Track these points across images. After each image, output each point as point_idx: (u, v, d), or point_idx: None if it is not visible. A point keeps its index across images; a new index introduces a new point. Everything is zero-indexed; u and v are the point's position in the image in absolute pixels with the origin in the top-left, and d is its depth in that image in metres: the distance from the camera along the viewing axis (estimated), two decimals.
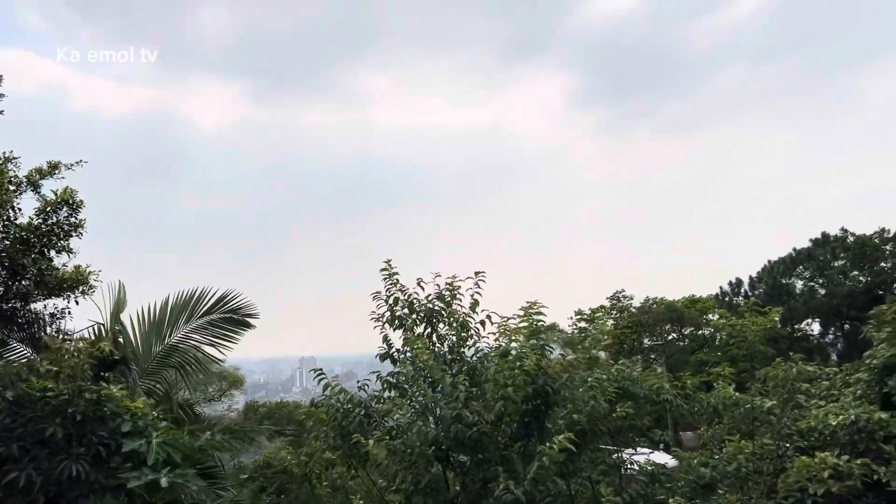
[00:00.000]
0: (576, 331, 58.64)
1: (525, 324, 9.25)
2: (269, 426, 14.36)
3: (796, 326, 47.98)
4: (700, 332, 55.05)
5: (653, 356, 54.05)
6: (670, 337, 54.97)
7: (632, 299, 55.67)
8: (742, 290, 50.65)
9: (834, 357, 46.91)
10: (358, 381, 10.03)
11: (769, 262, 49.09)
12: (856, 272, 43.65)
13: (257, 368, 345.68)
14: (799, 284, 46.69)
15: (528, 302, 9.18)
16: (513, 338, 9.20)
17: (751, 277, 50.43)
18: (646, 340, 55.12)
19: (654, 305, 54.01)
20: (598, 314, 59.03)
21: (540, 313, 9.17)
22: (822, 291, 45.11)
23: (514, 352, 8.75)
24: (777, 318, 15.57)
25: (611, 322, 57.35)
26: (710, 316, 54.66)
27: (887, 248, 43.15)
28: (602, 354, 60.94)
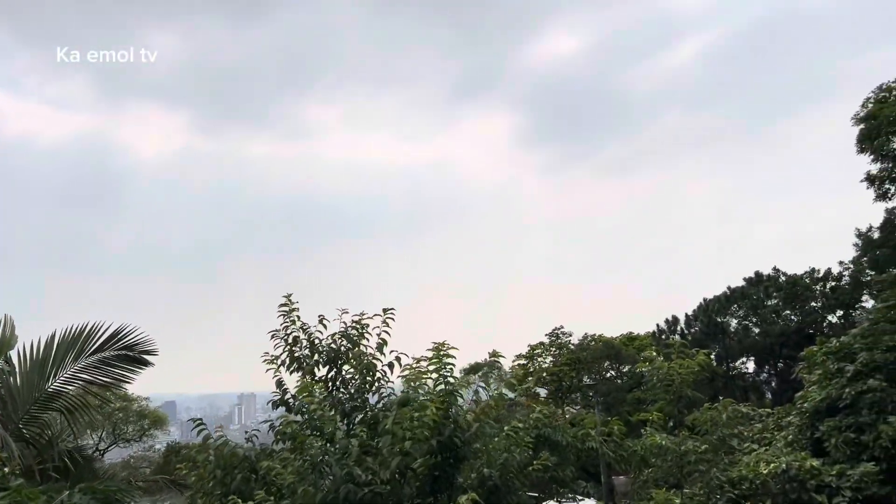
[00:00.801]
0: (517, 369, 57.51)
1: (434, 366, 8.37)
2: (164, 476, 12.97)
3: (732, 364, 48.33)
4: (637, 369, 55.05)
5: (591, 394, 53.75)
6: (609, 374, 54.82)
7: (570, 336, 55.53)
8: (678, 328, 50.89)
9: (769, 395, 47.34)
10: (246, 432, 8.95)
11: (705, 300, 49.50)
12: (788, 311, 44.28)
13: (194, 405, 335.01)
14: (734, 323, 47.12)
15: (434, 343, 8.29)
16: (420, 382, 8.31)
17: (687, 315, 50.75)
18: (585, 378, 54.86)
19: (593, 343, 53.88)
20: (536, 351, 57.94)
21: (449, 355, 8.30)
22: (756, 330, 45.60)
23: (421, 398, 7.86)
24: (704, 360, 15.04)
25: (550, 359, 57.00)
26: (647, 353, 54.87)
27: (817, 287, 43.99)
28: (542, 391, 59.24)
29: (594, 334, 54.81)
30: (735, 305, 47.73)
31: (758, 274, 47.08)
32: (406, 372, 8.56)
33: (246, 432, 9.06)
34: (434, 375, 8.25)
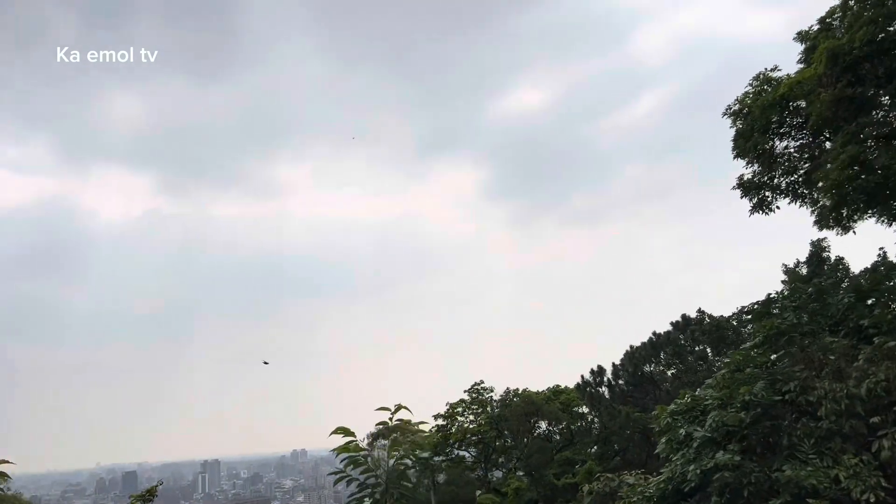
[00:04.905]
0: (434, 430, 51.66)
1: None
2: None
3: None
4: (569, 426, 50.21)
5: (516, 459, 48.61)
6: (536, 433, 49.83)
7: (492, 392, 50.68)
8: (605, 379, 46.21)
9: None
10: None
11: (631, 347, 45.13)
12: (715, 357, 39.94)
13: (156, 474, 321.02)
14: (659, 371, 42.67)
15: None
16: None
17: (614, 364, 46.22)
18: (509, 439, 49.88)
19: (515, 398, 49.03)
20: (457, 409, 52.11)
21: None
22: (685, 379, 41.10)
23: None
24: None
25: (471, 417, 51.92)
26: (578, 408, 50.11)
27: (748, 328, 39.69)
28: (466, 455, 53.27)
29: (516, 389, 50.11)
30: (663, 352, 43.32)
31: (684, 317, 42.92)
32: None
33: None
34: None
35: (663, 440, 13.42)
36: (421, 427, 9.05)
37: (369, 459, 8.59)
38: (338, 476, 8.70)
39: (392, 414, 8.67)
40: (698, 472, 11.69)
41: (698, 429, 12.46)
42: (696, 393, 13.99)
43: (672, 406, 14.01)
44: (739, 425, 11.96)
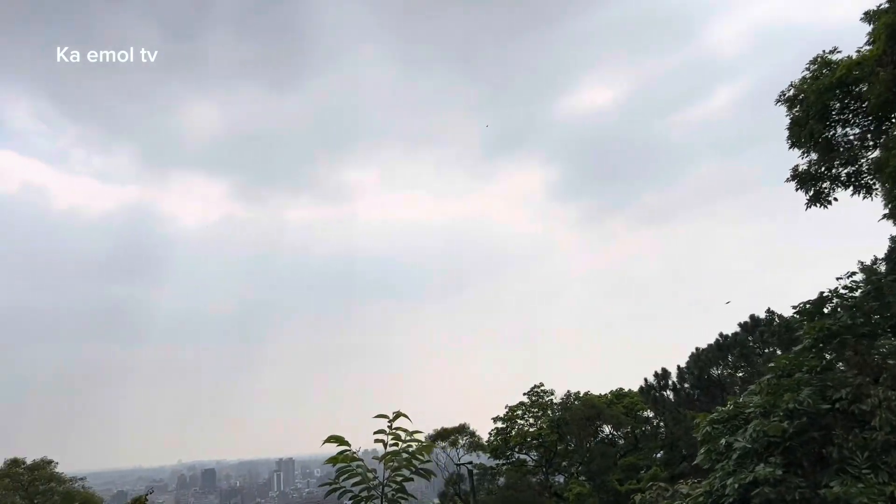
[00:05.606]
0: (493, 434, 51.28)
1: None
2: None
3: None
4: (634, 431, 48.75)
5: (578, 464, 47.48)
6: (599, 437, 48.58)
7: (552, 395, 49.68)
8: (670, 382, 44.61)
9: None
10: None
11: (697, 349, 43.35)
12: None
13: (233, 471, 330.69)
14: (727, 374, 40.87)
15: None
16: None
17: (679, 368, 44.54)
18: (572, 443, 48.79)
19: (576, 402, 47.95)
20: (517, 412, 51.47)
21: None
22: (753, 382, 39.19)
23: None
24: None
25: (531, 420, 51.07)
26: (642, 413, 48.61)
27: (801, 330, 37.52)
28: (528, 458, 52.69)
29: (577, 392, 49.01)
30: (730, 355, 41.50)
31: (752, 318, 40.98)
32: None
33: None
34: None
35: (703, 450, 12.50)
36: (416, 436, 8.57)
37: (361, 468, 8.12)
38: (330, 488, 8.26)
39: (391, 422, 8.20)
40: (736, 486, 10.78)
41: (739, 439, 11.52)
42: (740, 400, 13.00)
43: (714, 414, 13.06)
44: (782, 436, 10.97)
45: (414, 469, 8.91)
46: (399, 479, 8.60)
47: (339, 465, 7.99)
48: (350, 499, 8.23)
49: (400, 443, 8.47)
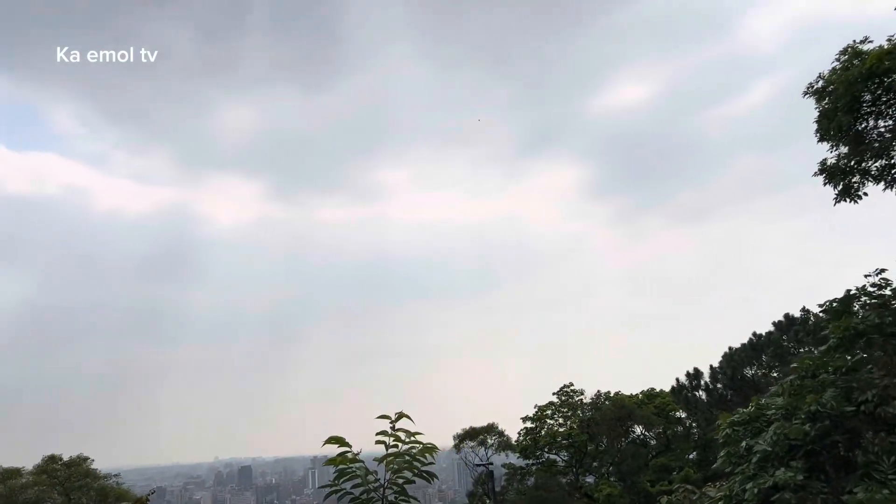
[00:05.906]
0: (522, 434, 50.78)
1: None
2: None
3: None
4: (665, 431, 48.03)
5: (609, 464, 46.91)
6: (630, 439, 47.94)
7: (582, 394, 49.12)
8: (702, 383, 43.82)
9: None
10: None
11: (730, 349, 42.55)
12: None
13: (269, 469, 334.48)
14: (761, 374, 40.00)
15: None
16: None
17: (711, 367, 43.76)
18: (603, 443, 48.21)
19: (606, 402, 47.35)
20: (546, 412, 50.90)
21: None
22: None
23: None
24: None
25: (560, 420, 50.59)
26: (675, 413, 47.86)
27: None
28: (558, 459, 52.14)
29: (607, 392, 48.39)
30: (764, 354, 40.62)
31: (787, 317, 40.05)
32: None
33: None
34: None
35: (723, 453, 12.14)
36: (417, 437, 8.42)
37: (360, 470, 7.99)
38: (329, 490, 8.14)
39: (392, 423, 8.07)
40: (756, 491, 10.42)
41: (759, 442, 11.14)
42: (762, 401, 12.58)
43: (734, 416, 12.67)
44: (804, 439, 10.57)
45: (416, 471, 8.74)
46: (401, 480, 8.46)
47: (338, 467, 7.88)
48: (350, 501, 8.08)
49: (401, 444, 8.35)
